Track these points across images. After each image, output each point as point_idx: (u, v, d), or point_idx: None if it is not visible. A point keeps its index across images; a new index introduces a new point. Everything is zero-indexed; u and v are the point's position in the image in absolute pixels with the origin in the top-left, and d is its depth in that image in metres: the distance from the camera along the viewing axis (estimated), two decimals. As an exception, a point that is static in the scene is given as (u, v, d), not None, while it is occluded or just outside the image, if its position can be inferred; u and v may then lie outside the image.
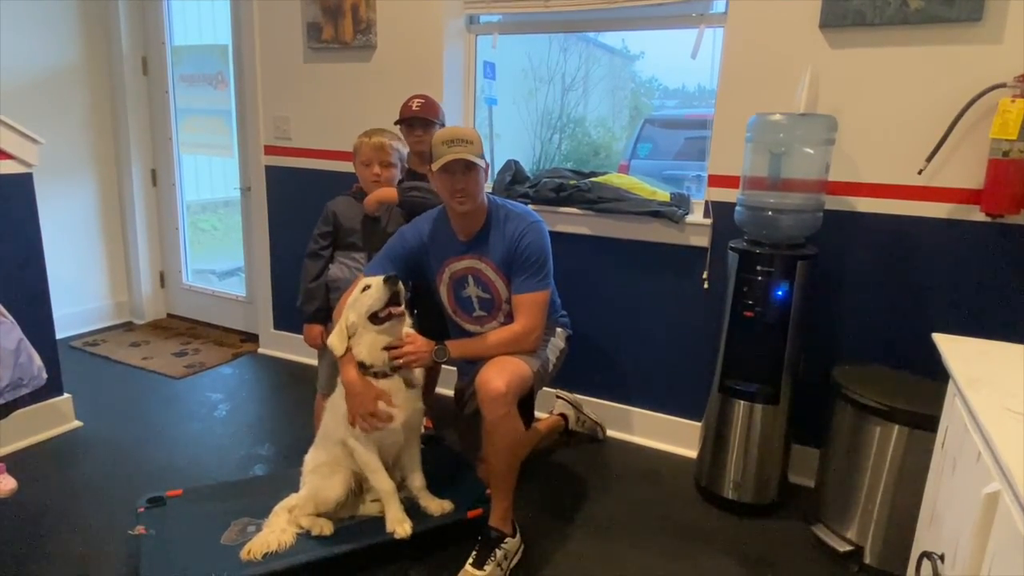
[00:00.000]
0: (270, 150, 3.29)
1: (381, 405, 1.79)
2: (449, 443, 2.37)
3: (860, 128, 2.11)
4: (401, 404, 1.83)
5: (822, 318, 2.24)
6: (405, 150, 2.30)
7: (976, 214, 1.99)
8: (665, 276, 2.52)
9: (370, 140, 2.20)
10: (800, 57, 2.13)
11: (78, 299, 3.72)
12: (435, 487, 1.98)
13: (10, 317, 2.07)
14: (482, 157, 1.88)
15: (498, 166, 2.81)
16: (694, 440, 2.46)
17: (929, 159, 1.99)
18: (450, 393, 2.33)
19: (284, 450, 2.52)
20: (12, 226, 2.38)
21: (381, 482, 1.84)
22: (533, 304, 1.92)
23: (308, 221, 2.32)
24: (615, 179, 2.68)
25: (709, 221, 2.38)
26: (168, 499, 1.97)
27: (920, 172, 2.03)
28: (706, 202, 2.40)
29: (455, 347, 1.89)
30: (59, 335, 2.72)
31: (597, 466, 2.49)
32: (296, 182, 3.24)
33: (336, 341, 1.83)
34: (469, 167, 1.84)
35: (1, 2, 3.17)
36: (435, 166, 1.85)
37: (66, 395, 2.63)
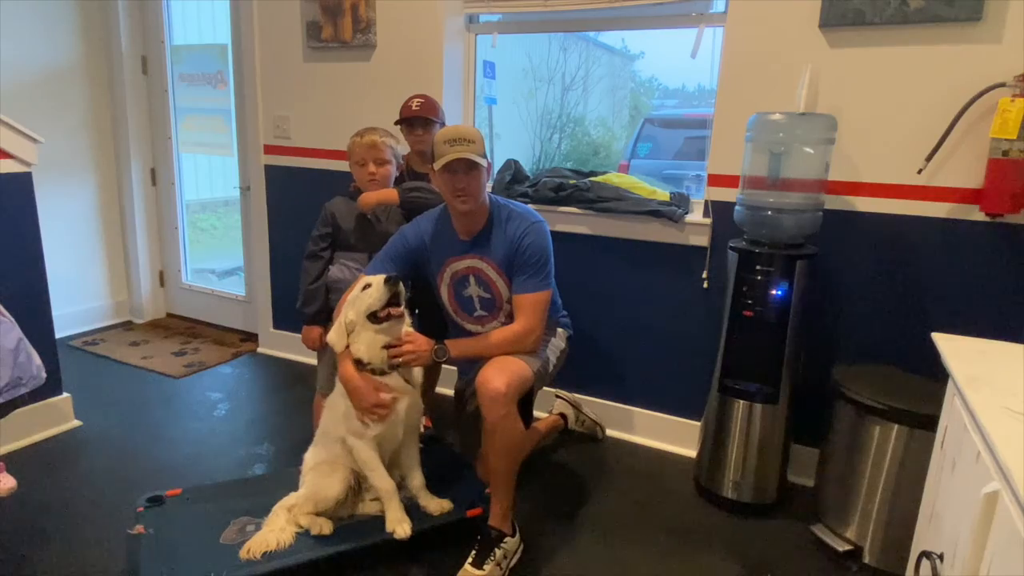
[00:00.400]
0: (269, 149, 3.29)
1: (383, 394, 1.79)
2: (449, 443, 2.36)
3: (860, 128, 2.11)
4: (401, 397, 1.83)
5: (822, 318, 2.24)
6: (400, 147, 2.29)
7: (976, 214, 1.99)
8: (665, 275, 2.52)
9: (362, 139, 2.20)
10: (800, 57, 2.13)
11: (77, 298, 3.72)
12: (435, 486, 1.98)
13: (9, 316, 2.06)
14: (484, 156, 1.88)
15: (498, 166, 2.81)
16: (694, 440, 2.46)
17: (929, 158, 1.99)
18: (450, 393, 2.33)
19: (283, 449, 2.52)
20: (11, 225, 2.38)
21: (380, 481, 1.84)
22: (534, 304, 1.92)
23: (308, 220, 2.32)
24: (615, 178, 2.68)
25: (709, 220, 2.38)
26: (167, 498, 1.97)
27: (920, 172, 2.03)
28: (706, 201, 2.40)
29: (455, 347, 1.88)
30: (58, 334, 2.72)
31: (597, 466, 2.49)
32: (296, 181, 3.24)
33: (335, 338, 1.83)
34: (471, 166, 1.84)
35: (1, 2, 3.17)
36: (437, 165, 1.85)
37: (65, 394, 2.63)
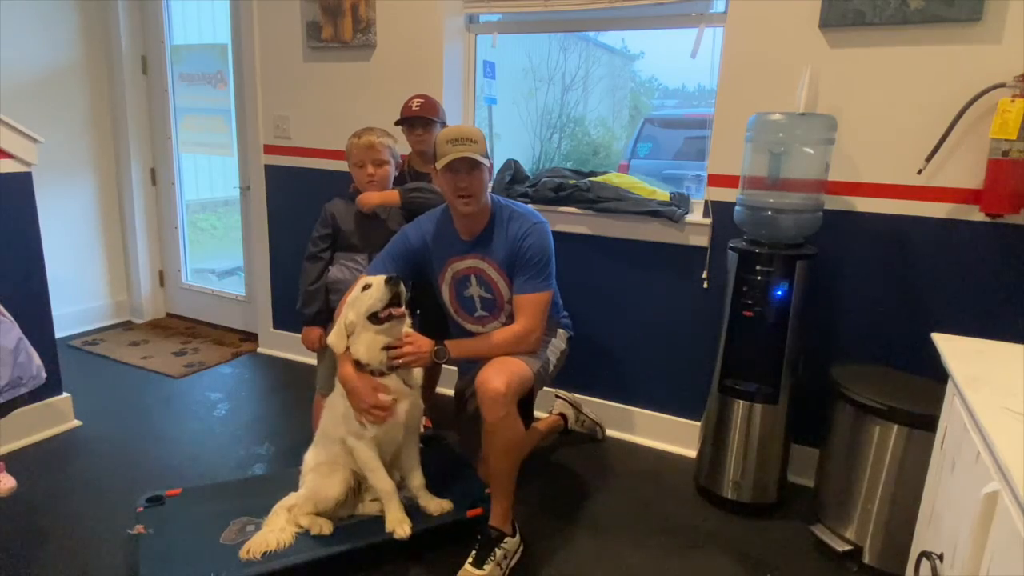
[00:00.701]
0: (269, 149, 3.29)
1: (381, 396, 1.79)
2: (449, 443, 2.36)
3: (860, 128, 2.12)
4: (400, 399, 1.83)
5: (822, 318, 2.24)
6: (398, 147, 2.29)
7: (976, 214, 1.99)
8: (665, 276, 2.52)
9: (359, 141, 2.19)
10: (800, 57, 2.13)
11: (77, 298, 3.72)
12: (435, 487, 1.98)
13: (9, 316, 2.06)
14: (487, 156, 1.88)
15: (498, 166, 2.81)
16: (694, 440, 2.46)
17: (929, 159, 1.99)
18: (450, 393, 2.33)
19: (283, 449, 2.52)
20: (11, 225, 2.38)
21: (380, 482, 1.84)
22: (534, 305, 1.92)
23: (308, 220, 2.32)
24: (615, 179, 2.68)
25: (709, 221, 2.38)
26: (167, 498, 1.97)
27: (920, 172, 2.03)
28: (706, 202, 2.40)
29: (455, 347, 1.88)
30: (58, 334, 2.72)
31: (597, 466, 2.49)
32: (296, 181, 3.24)
33: (336, 339, 1.83)
34: (474, 165, 1.84)
35: (1, 2, 3.17)
36: (439, 164, 1.85)
37: (65, 394, 2.63)
